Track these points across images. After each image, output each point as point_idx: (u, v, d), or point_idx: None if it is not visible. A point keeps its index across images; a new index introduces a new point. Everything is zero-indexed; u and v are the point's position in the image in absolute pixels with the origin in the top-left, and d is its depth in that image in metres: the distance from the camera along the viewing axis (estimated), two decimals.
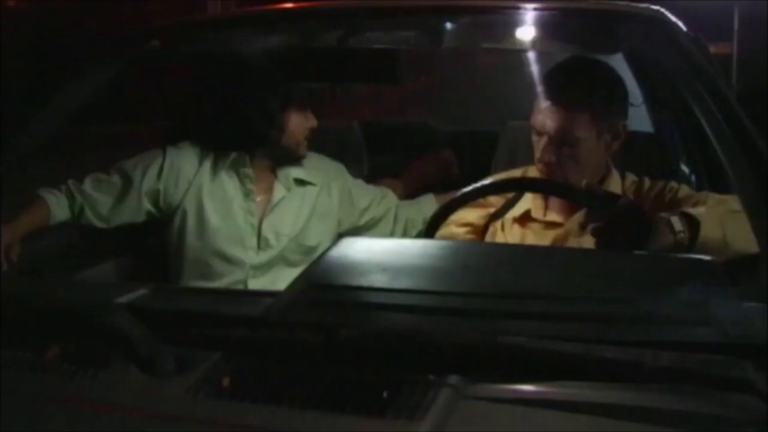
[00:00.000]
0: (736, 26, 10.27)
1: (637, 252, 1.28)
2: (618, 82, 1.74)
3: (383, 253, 1.24)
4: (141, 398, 0.90)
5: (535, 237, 1.79)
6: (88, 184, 1.99)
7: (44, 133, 1.58)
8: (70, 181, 1.97)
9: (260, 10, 1.84)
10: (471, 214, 1.88)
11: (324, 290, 1.11)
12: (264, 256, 2.04)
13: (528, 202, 1.83)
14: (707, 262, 1.15)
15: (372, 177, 2.42)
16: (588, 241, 1.69)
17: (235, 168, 2.07)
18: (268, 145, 2.05)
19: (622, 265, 1.16)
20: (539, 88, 1.74)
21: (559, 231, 1.76)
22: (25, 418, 0.89)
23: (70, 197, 1.95)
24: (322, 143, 2.27)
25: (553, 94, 1.71)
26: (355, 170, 2.37)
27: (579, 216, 1.68)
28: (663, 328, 0.97)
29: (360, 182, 2.26)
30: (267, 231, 2.04)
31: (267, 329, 1.01)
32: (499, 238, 1.82)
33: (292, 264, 2.05)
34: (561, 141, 1.70)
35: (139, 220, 2.06)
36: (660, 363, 0.86)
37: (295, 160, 2.10)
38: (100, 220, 2.00)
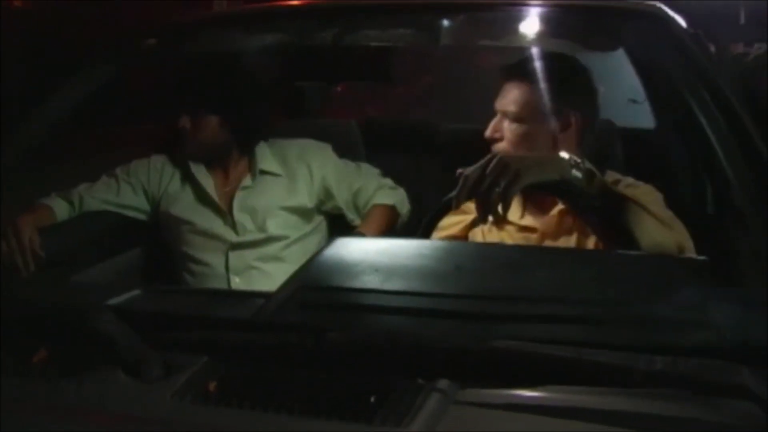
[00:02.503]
0: None
1: (631, 253, 1.26)
2: (580, 72, 1.72)
3: (376, 253, 1.22)
4: (127, 402, 0.89)
5: (511, 242, 1.77)
6: (83, 188, 2.09)
7: (37, 135, 1.58)
8: (62, 191, 2.06)
9: (256, 8, 1.82)
10: (452, 220, 1.85)
11: (315, 292, 1.09)
12: (243, 238, 2.10)
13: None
14: (703, 263, 1.14)
15: None
16: (563, 244, 1.68)
17: (208, 163, 2.16)
18: (192, 150, 2.10)
19: (616, 267, 1.14)
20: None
21: (534, 236, 1.74)
22: (11, 423, 0.88)
23: (67, 199, 2.03)
24: (320, 141, 2.26)
25: (505, 70, 1.73)
26: None
27: (552, 219, 1.66)
28: (657, 332, 0.95)
29: (344, 162, 2.24)
30: (239, 216, 2.11)
31: (257, 331, 1.00)
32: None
33: (271, 246, 2.10)
34: (505, 114, 1.71)
35: (135, 215, 2.15)
36: (654, 367, 0.84)
37: (252, 154, 2.15)
38: (106, 206, 2.10)
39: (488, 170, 1.29)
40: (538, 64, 1.67)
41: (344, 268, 1.16)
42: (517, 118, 1.70)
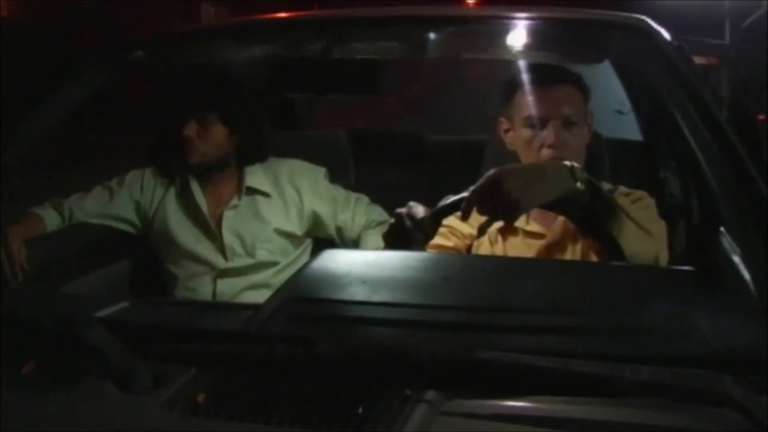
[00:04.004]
0: None
1: (619, 264, 1.27)
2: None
3: (364, 265, 1.23)
4: (115, 414, 0.89)
5: (518, 248, 1.77)
6: (75, 198, 2.07)
7: (28, 143, 1.58)
8: (54, 199, 2.04)
9: (243, 21, 1.83)
10: (460, 225, 1.86)
11: (303, 304, 1.10)
12: (231, 263, 2.07)
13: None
14: (690, 273, 1.15)
15: (359, 187, 2.41)
16: (570, 253, 1.69)
17: (194, 177, 2.12)
18: (190, 157, 2.05)
19: (603, 277, 1.15)
20: (519, 82, 1.73)
21: (541, 242, 1.75)
22: None
23: (58, 210, 2.01)
24: (308, 152, 2.26)
25: (543, 75, 1.70)
26: (342, 180, 2.36)
27: (558, 226, 1.67)
28: (642, 341, 0.96)
29: (335, 191, 2.20)
30: (228, 239, 2.07)
31: (245, 343, 1.00)
32: (485, 249, 1.81)
33: (261, 273, 2.07)
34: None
35: (125, 228, 2.13)
36: (639, 377, 0.85)
37: (240, 171, 2.12)
38: (97, 218, 2.08)
39: (493, 191, 1.31)
40: (561, 65, 1.68)
41: (332, 279, 1.16)
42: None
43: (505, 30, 1.70)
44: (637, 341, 0.97)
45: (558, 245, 1.71)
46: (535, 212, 1.78)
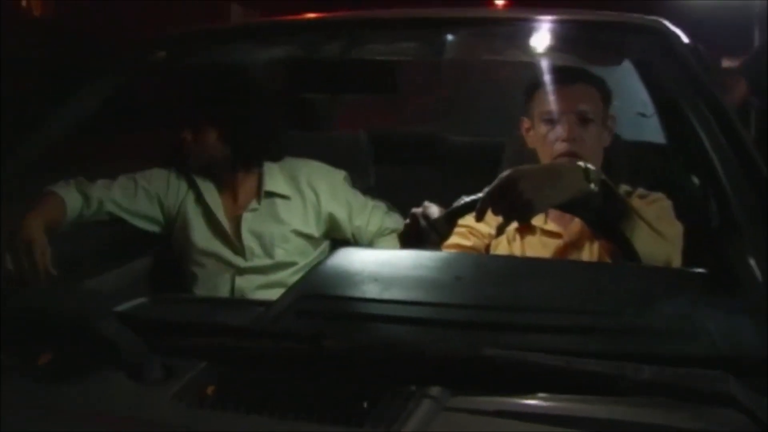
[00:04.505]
0: None
1: (629, 264, 1.27)
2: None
3: (377, 264, 1.24)
4: (127, 404, 0.92)
5: (535, 247, 1.78)
6: (100, 185, 2.03)
7: (46, 142, 1.60)
8: (79, 179, 1.99)
9: (262, 22, 1.86)
10: (479, 225, 1.87)
11: (315, 301, 1.11)
12: (251, 263, 2.07)
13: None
14: (701, 275, 1.15)
15: (379, 186, 2.42)
16: (588, 252, 1.70)
17: (212, 179, 2.13)
18: (193, 161, 2.08)
19: (611, 278, 1.15)
20: (539, 81, 1.75)
21: (558, 242, 1.75)
22: (16, 423, 0.91)
23: (83, 193, 1.97)
24: (329, 153, 2.28)
25: (563, 74, 1.73)
26: (362, 181, 2.37)
27: (576, 226, 1.67)
28: (647, 341, 0.97)
29: (357, 192, 2.21)
30: (247, 241, 2.08)
31: (255, 338, 1.02)
32: (503, 248, 1.82)
33: (278, 273, 2.08)
34: (580, 117, 1.70)
35: (148, 226, 2.12)
36: (642, 376, 0.85)
37: (259, 172, 2.12)
38: (121, 212, 2.05)
39: (506, 192, 1.32)
40: (584, 67, 1.71)
41: (345, 277, 1.18)
42: (585, 117, 1.71)
43: (520, 32, 1.70)
44: (644, 341, 0.98)
45: (575, 245, 1.72)
46: (553, 212, 1.78)
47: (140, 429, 0.87)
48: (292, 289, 1.16)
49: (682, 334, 0.99)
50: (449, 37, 1.80)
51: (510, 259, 1.49)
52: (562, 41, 1.66)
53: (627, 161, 1.94)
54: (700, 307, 1.04)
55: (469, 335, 1.00)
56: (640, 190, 1.76)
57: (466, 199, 1.43)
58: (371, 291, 1.11)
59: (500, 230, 1.84)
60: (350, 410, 0.85)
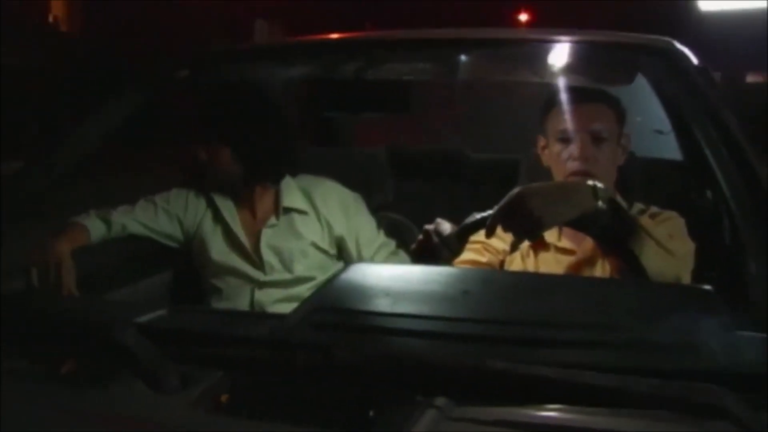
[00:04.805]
0: None
1: (634, 281, 1.30)
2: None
3: (389, 279, 1.28)
4: (146, 410, 0.96)
5: (549, 264, 1.81)
6: (121, 210, 2.11)
7: (72, 156, 1.67)
8: (100, 209, 2.08)
9: (282, 43, 1.91)
10: (494, 241, 1.90)
11: (328, 313, 1.15)
12: (270, 277, 2.12)
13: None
14: (706, 292, 1.18)
15: (397, 202, 2.46)
16: (600, 269, 1.72)
17: (234, 196, 2.18)
18: (209, 181, 2.13)
19: (614, 293, 1.18)
20: (555, 100, 1.78)
21: (571, 259, 1.78)
22: (39, 426, 0.95)
23: (105, 220, 2.05)
24: (348, 169, 2.32)
25: (578, 94, 1.75)
26: (381, 196, 2.41)
27: (589, 243, 1.70)
28: (647, 355, 0.99)
29: (369, 219, 2.23)
30: (266, 256, 2.12)
31: (270, 349, 1.06)
32: (517, 264, 1.85)
33: (298, 288, 2.11)
34: (593, 136, 1.73)
35: (168, 243, 2.19)
36: (640, 389, 0.88)
37: (277, 190, 2.16)
38: (143, 230, 2.13)
39: (516, 210, 1.35)
40: (600, 87, 1.74)
41: (357, 291, 1.22)
42: (599, 137, 1.73)
43: (534, 53, 1.74)
44: (645, 355, 1.01)
45: (588, 262, 1.75)
46: (567, 229, 1.81)
47: None
48: (306, 302, 1.20)
49: (683, 348, 1.01)
50: (463, 57, 1.84)
51: (516, 275, 1.53)
52: (574, 62, 1.70)
53: (641, 179, 1.96)
54: (702, 323, 1.06)
55: (474, 348, 1.03)
56: (654, 209, 1.78)
57: (478, 216, 1.47)
58: (382, 305, 1.15)
59: (514, 246, 1.87)
60: (357, 418, 0.89)
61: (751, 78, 16.53)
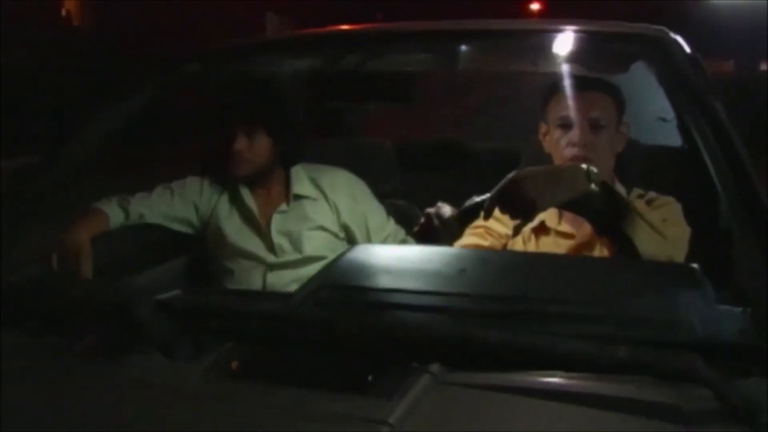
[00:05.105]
0: None
1: (621, 259, 1.37)
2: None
3: (389, 258, 1.36)
4: (163, 378, 1.04)
5: (549, 247, 1.87)
6: (138, 197, 2.19)
7: (83, 153, 1.75)
8: (121, 195, 2.16)
9: (290, 36, 1.98)
10: (496, 225, 1.97)
11: (331, 290, 1.23)
12: (281, 258, 2.20)
13: (543, 212, 1.92)
14: (687, 269, 1.25)
15: (404, 191, 2.53)
16: (598, 252, 1.79)
17: (245, 184, 2.26)
18: (239, 169, 2.19)
19: (604, 270, 1.26)
20: (555, 88, 1.84)
21: (571, 242, 1.85)
22: (69, 392, 1.05)
23: (124, 208, 2.13)
24: (355, 160, 2.40)
25: (578, 82, 1.82)
26: (388, 187, 2.48)
27: (588, 227, 1.77)
28: (629, 326, 1.07)
29: (377, 206, 2.32)
30: (277, 239, 2.21)
31: (278, 323, 1.14)
32: (519, 248, 1.91)
33: (308, 267, 2.18)
34: (592, 123, 1.79)
35: (184, 229, 2.27)
36: (617, 356, 0.96)
37: (287, 178, 2.25)
38: (159, 218, 2.21)
39: (512, 193, 1.42)
40: (599, 75, 1.81)
41: (359, 270, 1.30)
42: (597, 124, 1.79)
43: (530, 44, 1.81)
44: (628, 327, 1.08)
45: (586, 245, 1.81)
46: (567, 213, 1.88)
47: (174, 397, 0.99)
48: (311, 281, 1.28)
49: (664, 320, 1.09)
50: (462, 48, 1.91)
51: (509, 254, 1.60)
52: (570, 51, 1.76)
53: (642, 165, 2.02)
54: (684, 298, 1.14)
55: (467, 320, 1.11)
56: (651, 194, 1.84)
57: (477, 199, 1.54)
58: (382, 282, 1.23)
59: (516, 231, 1.95)
60: (357, 382, 0.97)
61: (765, 66, 16.58)
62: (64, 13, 15.02)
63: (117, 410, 1.00)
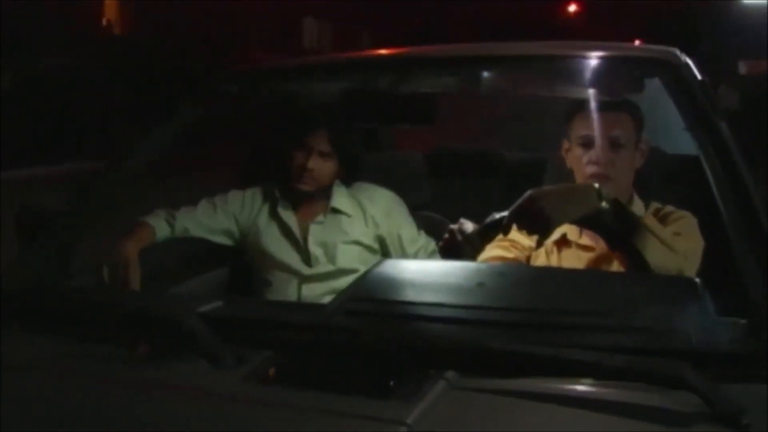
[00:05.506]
0: None
1: (629, 272, 1.47)
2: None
3: (414, 272, 1.48)
4: (207, 384, 1.16)
5: (570, 259, 1.97)
6: (183, 211, 2.32)
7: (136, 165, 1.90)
8: (167, 210, 2.29)
9: (322, 60, 2.11)
10: (521, 238, 2.07)
11: (359, 303, 1.35)
12: (315, 270, 2.33)
13: (565, 225, 2.02)
14: (690, 282, 1.34)
15: (435, 205, 2.63)
16: (616, 264, 1.88)
17: (287, 197, 2.40)
18: (305, 185, 2.32)
19: (612, 284, 1.36)
20: (578, 107, 1.93)
21: (591, 255, 1.94)
22: (119, 398, 1.17)
23: (169, 222, 2.26)
24: (386, 173, 2.51)
25: (599, 102, 1.90)
26: (418, 199, 2.59)
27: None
28: (629, 336, 1.17)
29: (410, 221, 2.43)
30: (313, 249, 2.34)
31: (310, 333, 1.26)
32: (542, 260, 2.01)
33: (340, 280, 2.30)
34: (612, 142, 1.88)
35: (225, 240, 2.40)
36: (615, 363, 1.06)
37: (329, 193, 2.38)
38: (203, 232, 2.34)
39: (528, 210, 1.52)
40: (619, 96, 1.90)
41: (385, 284, 1.42)
42: (617, 143, 1.88)
43: (545, 68, 1.91)
44: (628, 336, 1.18)
45: (605, 257, 1.90)
46: None
47: (216, 401, 1.12)
48: (342, 294, 1.41)
49: (663, 331, 1.19)
50: (484, 74, 2.02)
51: (524, 268, 1.71)
52: (586, 75, 1.85)
53: (658, 181, 2.10)
54: (684, 309, 1.24)
55: (482, 331, 1.22)
56: (669, 208, 1.93)
57: (497, 216, 1.65)
58: (406, 295, 1.36)
59: (539, 243, 2.05)
60: (379, 386, 1.08)
61: None
62: (105, 22, 15.37)
63: (163, 414, 1.12)
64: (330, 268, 2.31)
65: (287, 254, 2.34)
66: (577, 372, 1.08)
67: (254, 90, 2.19)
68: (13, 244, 1.83)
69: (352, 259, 2.33)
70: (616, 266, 1.87)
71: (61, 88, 9.90)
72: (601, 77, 1.79)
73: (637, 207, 1.93)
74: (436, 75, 2.11)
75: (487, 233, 1.68)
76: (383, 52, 2.06)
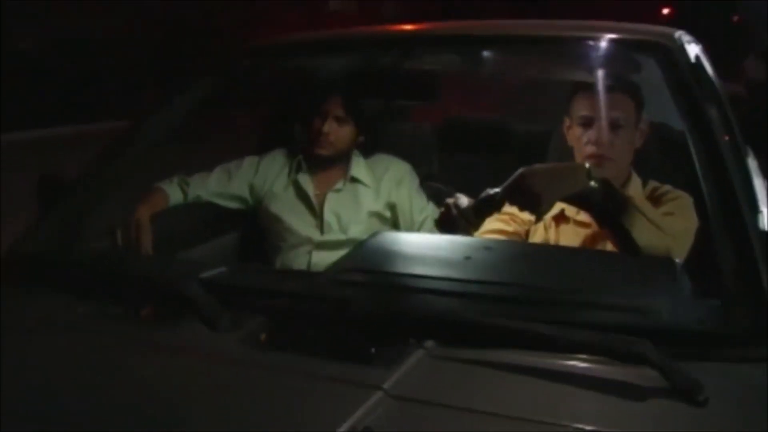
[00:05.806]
0: None
1: (610, 252, 1.53)
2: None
3: (405, 245, 1.55)
4: (204, 345, 1.25)
5: (568, 234, 2.02)
6: (197, 178, 2.41)
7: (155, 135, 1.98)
8: (181, 176, 2.38)
9: (332, 35, 2.18)
10: (520, 212, 2.12)
11: (351, 273, 1.42)
12: (327, 237, 2.40)
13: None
14: (668, 262, 1.40)
15: (443, 175, 2.68)
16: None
17: (305, 164, 2.47)
18: (322, 149, 2.40)
19: (592, 262, 1.43)
20: (579, 87, 1.97)
21: (587, 231, 1.99)
22: (120, 356, 1.26)
23: (183, 189, 2.35)
24: (395, 144, 2.57)
25: (600, 82, 1.94)
26: (425, 168, 2.64)
27: None
28: (601, 313, 1.23)
29: (420, 191, 2.50)
30: (328, 216, 2.41)
31: (302, 301, 1.34)
32: (540, 234, 2.07)
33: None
34: (611, 123, 1.91)
35: (238, 206, 2.48)
36: (578, 338, 1.13)
37: (348, 162, 2.46)
38: (215, 198, 2.43)
39: (520, 187, 1.58)
40: (620, 73, 1.94)
41: (377, 255, 1.49)
42: (616, 124, 1.92)
43: (544, 50, 1.95)
44: (599, 313, 1.25)
45: (602, 234, 1.96)
46: None
47: (213, 362, 1.21)
48: (335, 264, 1.48)
49: (636, 308, 1.25)
50: (484, 53, 2.07)
51: (511, 244, 1.77)
52: (586, 56, 1.88)
53: (656, 160, 2.14)
54: (658, 289, 1.30)
55: (465, 303, 1.29)
56: (666, 187, 1.96)
57: (491, 191, 1.70)
58: (397, 266, 1.43)
59: (538, 218, 2.10)
60: (363, 353, 1.16)
61: None
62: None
63: (160, 372, 1.21)
64: (341, 237, 2.38)
65: (301, 220, 2.41)
66: (544, 345, 1.15)
67: (268, 64, 2.26)
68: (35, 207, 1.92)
69: (364, 230, 2.38)
70: (609, 243, 1.93)
71: (93, 51, 9.99)
72: (600, 58, 1.83)
73: (635, 186, 1.97)
74: (437, 53, 2.16)
75: (481, 208, 1.74)
76: (385, 29, 2.12)
